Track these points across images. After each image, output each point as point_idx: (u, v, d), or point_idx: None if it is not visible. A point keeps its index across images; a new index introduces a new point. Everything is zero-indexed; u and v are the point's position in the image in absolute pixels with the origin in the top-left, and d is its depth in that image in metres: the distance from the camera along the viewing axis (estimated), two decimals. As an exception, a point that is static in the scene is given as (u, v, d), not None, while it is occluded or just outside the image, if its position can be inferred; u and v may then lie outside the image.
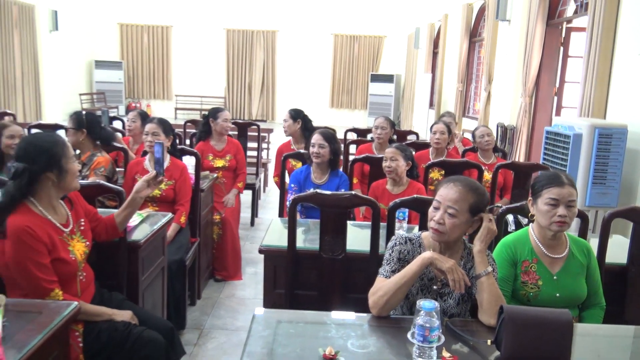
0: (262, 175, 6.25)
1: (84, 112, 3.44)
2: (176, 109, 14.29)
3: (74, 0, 12.75)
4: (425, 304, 1.48)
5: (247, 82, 14.81)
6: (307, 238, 2.65)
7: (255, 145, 5.71)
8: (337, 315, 1.79)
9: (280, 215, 3.57)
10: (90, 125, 3.33)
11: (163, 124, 3.21)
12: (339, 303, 2.33)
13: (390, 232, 2.31)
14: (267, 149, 7.24)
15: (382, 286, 1.76)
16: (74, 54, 13.09)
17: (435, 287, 1.86)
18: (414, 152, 3.59)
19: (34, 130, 3.91)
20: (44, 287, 1.85)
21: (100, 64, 13.92)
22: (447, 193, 1.79)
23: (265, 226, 5.37)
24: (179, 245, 3.14)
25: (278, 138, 8.49)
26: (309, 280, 2.40)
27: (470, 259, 1.86)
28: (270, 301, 2.49)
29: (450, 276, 1.71)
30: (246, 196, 5.24)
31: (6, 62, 10.52)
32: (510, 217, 2.52)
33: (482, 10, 8.57)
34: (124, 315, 2.09)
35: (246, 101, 14.92)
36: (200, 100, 14.52)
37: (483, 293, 1.75)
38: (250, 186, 5.19)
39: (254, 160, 5.66)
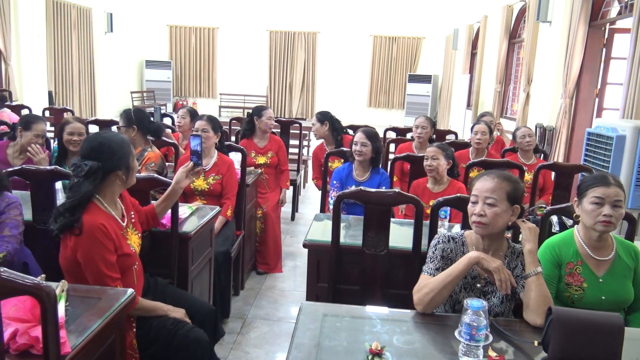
0: (302, 172, 6.35)
1: (132, 109, 3.52)
2: (220, 106, 14.62)
3: (128, 3, 13.26)
4: (473, 302, 1.48)
5: (288, 82, 15.03)
6: (348, 234, 2.70)
7: (296, 142, 5.82)
8: (381, 310, 1.82)
9: (322, 211, 3.65)
10: (140, 121, 3.41)
11: (212, 121, 3.33)
12: (380, 298, 2.38)
13: (433, 230, 2.34)
14: (308, 146, 7.35)
15: (427, 283, 1.79)
16: (126, 54, 13.62)
17: (478, 285, 1.88)
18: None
19: (91, 126, 4.10)
20: (108, 285, 1.89)
21: (150, 64, 14.41)
22: (482, 185, 1.82)
23: (305, 221, 5.53)
24: (225, 238, 3.25)
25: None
26: (352, 275, 2.46)
27: (514, 258, 1.87)
28: (313, 294, 2.56)
29: (496, 276, 1.71)
30: (287, 192, 5.35)
31: (65, 61, 11.09)
32: (554, 218, 2.50)
33: (522, 12, 8.49)
34: (178, 312, 2.16)
35: (287, 100, 15.14)
36: (244, 98, 14.81)
37: (531, 292, 1.75)
38: (291, 182, 5.28)
39: (295, 157, 5.77)
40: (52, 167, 2.52)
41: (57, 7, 10.84)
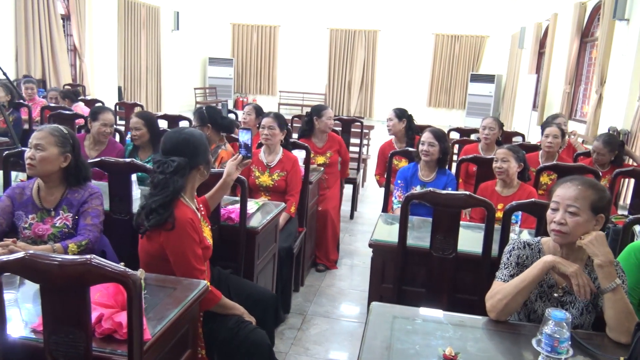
0: (362, 171, 6.33)
1: (203, 107, 3.58)
2: (279, 104, 14.81)
3: (194, 2, 13.68)
4: (556, 313, 1.42)
5: (347, 80, 15.04)
6: (413, 235, 2.65)
7: (356, 141, 5.80)
8: (453, 315, 1.78)
9: (384, 210, 3.61)
10: (213, 119, 3.48)
11: (278, 118, 3.36)
12: (446, 302, 2.33)
13: (504, 235, 2.27)
14: (368, 145, 7.31)
15: (501, 289, 1.73)
16: (191, 52, 14.07)
17: (556, 294, 1.79)
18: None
19: (161, 121, 4.24)
20: (197, 278, 1.93)
21: (213, 61, 14.83)
22: (565, 192, 1.72)
23: (364, 220, 5.52)
24: (288, 234, 3.28)
25: (378, 135, 8.54)
26: (417, 277, 2.42)
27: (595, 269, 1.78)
28: (376, 294, 2.54)
29: (574, 281, 1.64)
30: (347, 190, 5.35)
31: (134, 58, 11.59)
32: (637, 228, 2.36)
33: (596, 10, 8.10)
34: (251, 318, 2.18)
35: (345, 98, 15.15)
36: (302, 96, 14.95)
37: (610, 310, 1.65)
38: (351, 180, 5.27)
39: (356, 155, 5.76)
40: (129, 159, 2.63)
41: (128, 6, 11.32)
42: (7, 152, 2.82)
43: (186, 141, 2.00)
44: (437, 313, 1.79)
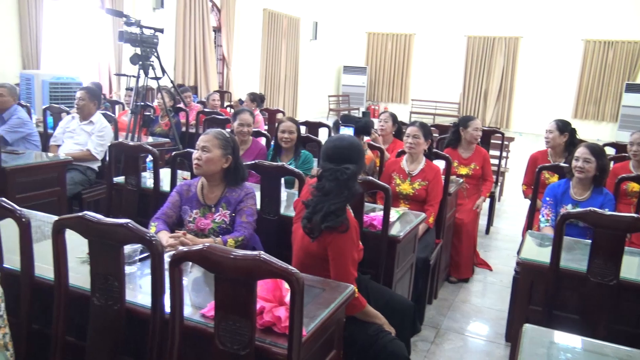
0: (500, 185, 6.04)
1: (339, 119, 3.65)
2: (411, 112, 14.71)
3: (332, 12, 14.16)
4: None
5: (483, 89, 14.49)
6: (565, 257, 2.47)
7: (495, 153, 5.56)
8: (619, 348, 1.62)
9: (529, 227, 3.41)
10: (350, 125, 3.59)
11: (423, 127, 3.35)
12: (603, 333, 2.13)
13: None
14: (507, 157, 6.96)
15: None
16: (327, 60, 14.57)
17: None
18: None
19: (303, 128, 4.43)
20: (349, 281, 2.00)
21: (347, 69, 15.20)
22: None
23: (500, 236, 5.27)
24: (425, 244, 3.25)
25: (518, 147, 8.10)
26: (569, 302, 2.26)
27: None
28: (522, 316, 2.41)
29: None
30: (484, 203, 5.14)
31: (274, 66, 12.29)
32: None
33: None
34: (391, 329, 2.21)
35: (481, 108, 14.59)
36: (435, 105, 14.68)
37: None
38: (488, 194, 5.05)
39: (495, 168, 5.51)
40: (280, 164, 2.78)
41: (271, 17, 12.03)
42: (174, 152, 3.15)
43: (353, 149, 2.10)
44: (600, 344, 1.64)
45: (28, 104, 5.23)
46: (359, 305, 2.10)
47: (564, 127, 4.00)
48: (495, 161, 5.62)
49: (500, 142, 5.54)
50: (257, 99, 6.54)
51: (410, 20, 14.80)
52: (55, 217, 1.66)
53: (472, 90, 14.60)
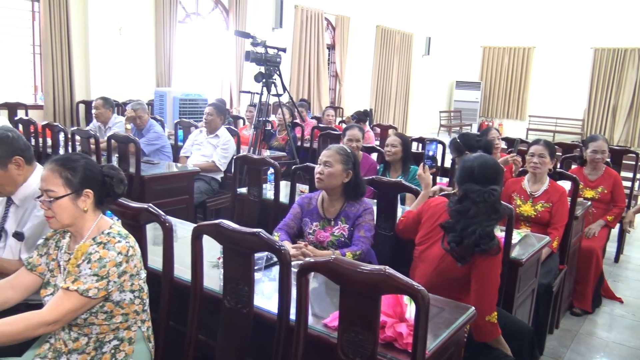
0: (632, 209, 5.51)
1: (457, 137, 3.48)
2: (528, 129, 13.97)
3: (446, 27, 13.94)
4: None
5: (611, 105, 13.37)
6: None
7: (627, 174, 5.09)
8: None
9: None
10: (468, 145, 3.33)
11: (549, 146, 3.19)
12: None
13: None
14: (638, 180, 6.33)
15: None
16: (439, 75, 14.36)
17: None
18: None
19: (415, 144, 4.40)
20: (491, 306, 2.02)
21: (460, 84, 14.84)
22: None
23: (632, 265, 4.81)
24: (548, 270, 3.07)
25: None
26: None
27: None
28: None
29: None
30: (613, 229, 4.73)
31: (386, 82, 12.37)
32: None
33: None
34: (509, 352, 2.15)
35: (609, 125, 13.46)
36: (555, 121, 13.82)
37: None
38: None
39: (627, 191, 5.05)
40: (397, 179, 2.79)
41: (384, 33, 12.13)
42: (294, 166, 3.28)
43: (498, 169, 2.12)
44: None
45: (162, 118, 5.74)
46: (496, 332, 2.05)
47: None
48: (627, 183, 5.15)
49: (634, 162, 5.07)
50: (361, 117, 6.60)
51: (530, 33, 14.09)
52: (186, 222, 1.82)
53: (598, 105, 13.52)
